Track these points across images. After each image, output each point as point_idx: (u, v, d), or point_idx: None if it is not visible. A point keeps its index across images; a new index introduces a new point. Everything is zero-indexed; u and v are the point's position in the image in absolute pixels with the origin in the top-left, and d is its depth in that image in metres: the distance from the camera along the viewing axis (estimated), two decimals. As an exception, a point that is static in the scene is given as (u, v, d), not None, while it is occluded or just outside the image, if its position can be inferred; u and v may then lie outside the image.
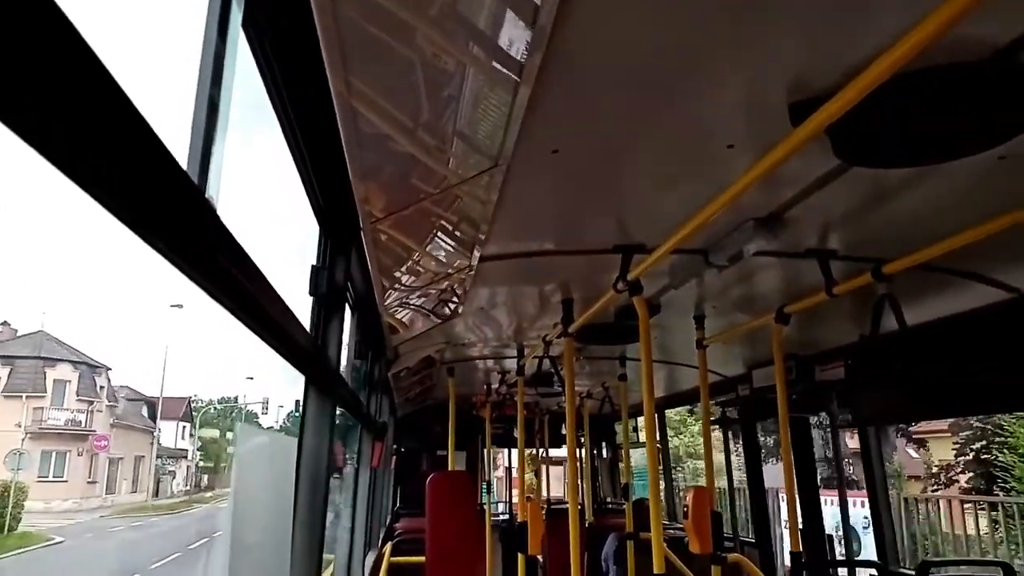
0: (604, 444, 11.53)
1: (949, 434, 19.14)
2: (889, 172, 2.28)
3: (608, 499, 11.08)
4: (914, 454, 25.17)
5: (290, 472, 2.32)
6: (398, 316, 4.31)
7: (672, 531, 6.96)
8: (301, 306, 2.52)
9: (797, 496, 4.68)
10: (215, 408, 71.47)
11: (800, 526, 4.52)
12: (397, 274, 3.40)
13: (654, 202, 2.72)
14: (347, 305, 3.58)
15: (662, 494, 10.06)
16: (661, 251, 2.85)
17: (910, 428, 22.91)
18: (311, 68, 1.58)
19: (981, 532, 11.34)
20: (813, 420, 6.10)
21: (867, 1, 1.47)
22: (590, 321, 4.15)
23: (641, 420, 9.41)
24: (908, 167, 2.20)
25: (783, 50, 1.65)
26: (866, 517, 12.47)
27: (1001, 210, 2.38)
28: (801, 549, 4.03)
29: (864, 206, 2.69)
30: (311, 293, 2.53)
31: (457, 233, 2.87)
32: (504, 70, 1.58)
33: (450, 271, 3.44)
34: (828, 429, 6.35)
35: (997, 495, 14.55)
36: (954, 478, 19.36)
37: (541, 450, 10.96)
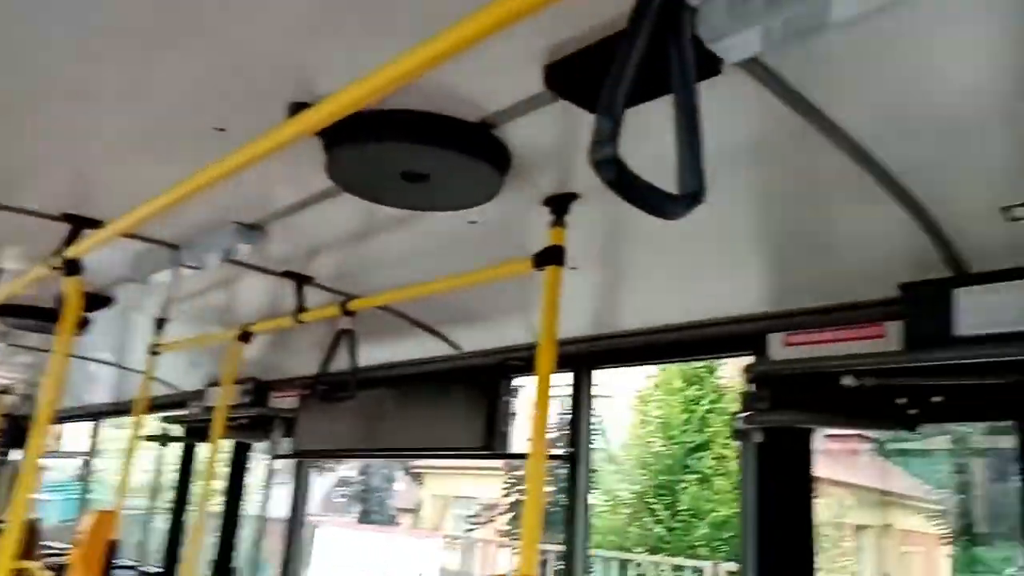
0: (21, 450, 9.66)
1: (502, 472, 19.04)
2: (377, 209, 2.31)
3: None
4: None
5: None
6: None
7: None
8: None
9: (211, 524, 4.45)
10: None
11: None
12: None
13: (122, 173, 2.31)
14: None
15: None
16: (116, 229, 2.42)
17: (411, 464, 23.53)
18: None
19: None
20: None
21: (368, 21, 1.44)
22: (17, 300, 3.37)
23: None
24: (389, 206, 2.26)
25: (286, 45, 1.53)
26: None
27: (463, 271, 2.60)
28: None
29: (349, 238, 2.70)
30: None
31: None
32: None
33: None
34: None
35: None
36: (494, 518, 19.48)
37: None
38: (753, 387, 2.65)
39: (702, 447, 13.72)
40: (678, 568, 10.89)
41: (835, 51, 1.50)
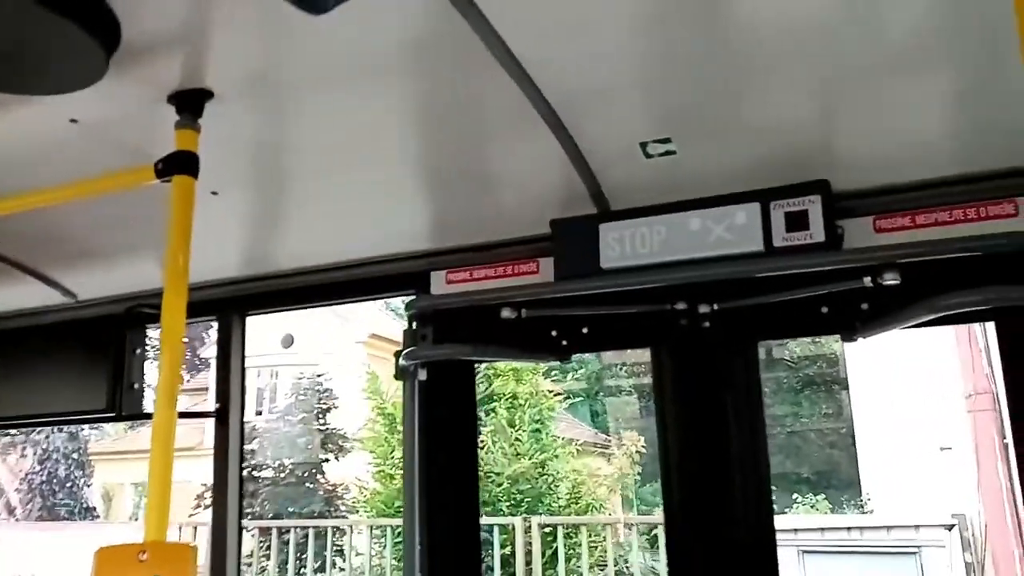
0: None
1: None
2: None
3: None
4: None
5: None
6: None
7: None
8: None
9: None
10: None
11: None
12: None
13: None
14: None
15: None
16: None
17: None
18: None
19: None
20: None
21: None
22: None
23: None
24: None
25: None
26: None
27: (67, 183, 2.05)
28: None
29: None
30: None
31: None
32: None
33: None
34: None
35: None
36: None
37: None
38: (416, 324, 2.56)
39: (490, 399, 13.30)
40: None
41: None
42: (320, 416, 18.62)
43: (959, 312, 2.02)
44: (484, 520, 9.88)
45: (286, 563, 10.83)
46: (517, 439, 12.39)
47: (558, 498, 12.25)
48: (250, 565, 11.18)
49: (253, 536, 11.98)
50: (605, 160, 2.20)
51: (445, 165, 2.34)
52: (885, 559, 9.31)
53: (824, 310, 2.20)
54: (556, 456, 12.85)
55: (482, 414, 12.55)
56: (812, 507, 17.77)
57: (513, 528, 9.71)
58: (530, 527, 9.63)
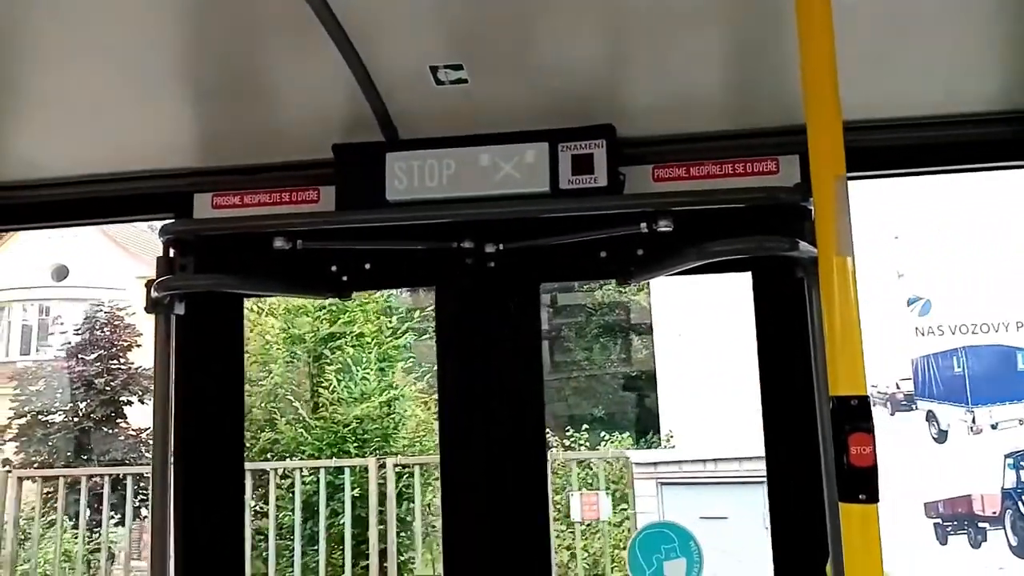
0: None
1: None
2: None
3: None
4: None
5: None
6: None
7: None
8: None
9: None
10: None
11: None
12: None
13: None
14: None
15: None
16: None
17: None
18: None
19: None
20: None
21: None
22: None
23: None
24: None
25: None
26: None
27: None
28: None
29: None
30: None
31: None
32: None
33: None
34: None
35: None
36: None
37: None
38: (173, 251, 2.28)
39: (333, 337, 12.01)
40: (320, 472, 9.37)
41: None
42: (121, 354, 16.64)
43: (723, 260, 2.14)
44: (334, 463, 9.76)
45: (76, 516, 9.69)
46: (364, 378, 12.05)
47: (403, 438, 12.13)
48: (32, 519, 9.82)
49: (36, 483, 10.61)
50: (394, 83, 2.06)
51: (214, 71, 2.09)
52: (737, 489, 9.57)
53: (603, 254, 2.23)
54: (403, 395, 12.68)
55: (328, 352, 12.02)
56: (618, 444, 18.94)
57: (366, 470, 9.53)
58: (384, 467, 9.49)
